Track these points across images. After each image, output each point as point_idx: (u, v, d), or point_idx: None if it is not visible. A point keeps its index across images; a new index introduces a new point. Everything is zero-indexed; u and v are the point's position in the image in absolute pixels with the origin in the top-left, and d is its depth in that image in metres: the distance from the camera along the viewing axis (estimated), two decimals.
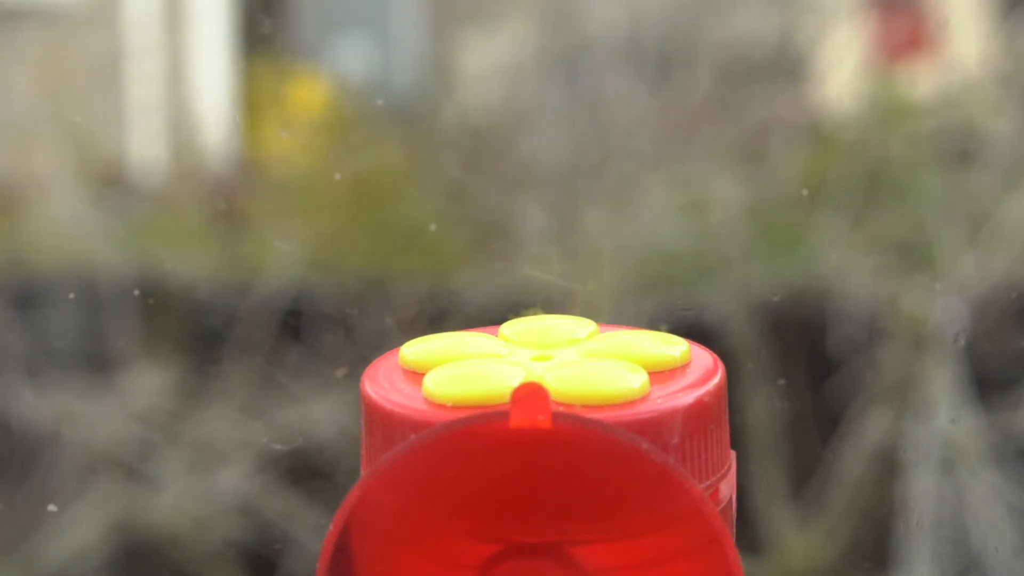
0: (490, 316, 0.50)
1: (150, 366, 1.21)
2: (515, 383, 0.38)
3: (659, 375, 0.42)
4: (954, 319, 1.13)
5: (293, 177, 1.31)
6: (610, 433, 0.38)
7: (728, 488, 0.42)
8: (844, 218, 1.17)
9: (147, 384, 1.21)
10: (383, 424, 0.41)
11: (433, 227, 1.10)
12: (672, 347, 0.44)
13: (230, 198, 1.42)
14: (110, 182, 1.52)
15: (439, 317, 1.10)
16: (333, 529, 0.38)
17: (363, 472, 0.41)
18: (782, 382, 1.10)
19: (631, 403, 0.40)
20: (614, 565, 0.39)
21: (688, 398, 0.41)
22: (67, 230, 1.39)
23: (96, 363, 1.23)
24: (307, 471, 1.12)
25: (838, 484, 1.15)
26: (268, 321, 1.18)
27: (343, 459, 1.08)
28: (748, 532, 1.06)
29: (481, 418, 0.38)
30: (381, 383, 0.42)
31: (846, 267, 1.20)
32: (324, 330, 1.12)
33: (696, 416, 0.40)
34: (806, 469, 1.16)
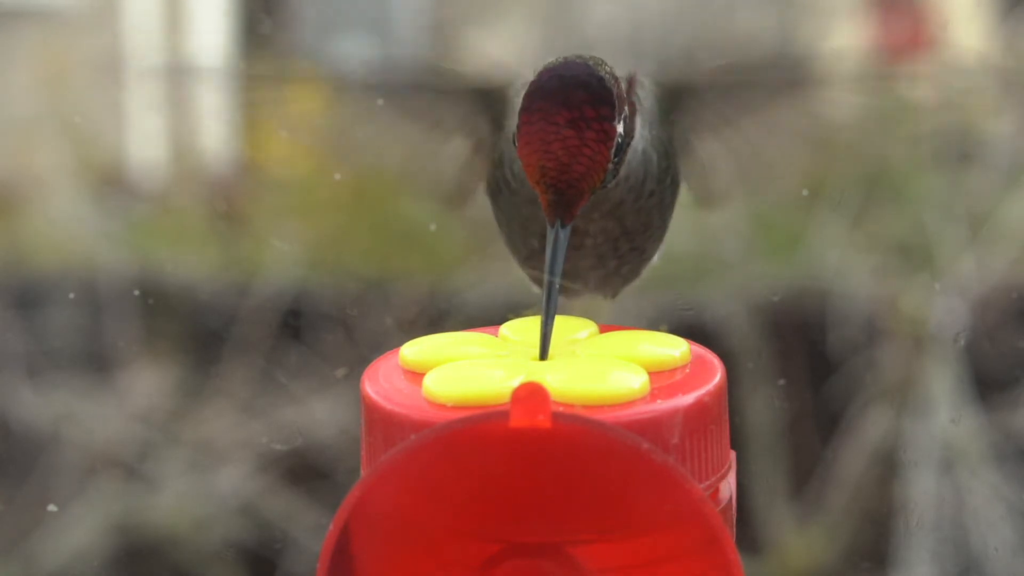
0: (490, 316, 0.50)
1: (150, 366, 1.21)
2: (515, 383, 0.38)
3: (659, 375, 0.42)
4: (954, 319, 1.13)
5: (293, 177, 1.31)
6: (610, 433, 0.38)
7: (728, 488, 0.42)
8: (844, 218, 1.17)
9: (147, 384, 1.21)
10: (383, 424, 0.41)
11: (433, 227, 1.09)
12: (672, 347, 0.44)
13: (230, 198, 1.42)
14: (110, 182, 1.52)
15: (439, 317, 1.10)
16: (333, 529, 0.38)
17: (363, 472, 0.41)
18: (782, 382, 1.10)
19: (631, 403, 0.40)
20: (614, 565, 0.39)
21: (688, 398, 0.41)
22: (67, 230, 1.39)
23: (96, 363, 1.23)
24: (307, 471, 1.12)
25: (838, 484, 1.15)
26: (268, 321, 1.18)
27: (343, 459, 1.08)
28: (748, 532, 1.06)
29: (481, 418, 0.38)
30: (381, 383, 0.42)
31: (846, 267, 1.19)
32: (324, 330, 1.12)
33: (696, 416, 0.40)
34: (806, 469, 1.16)
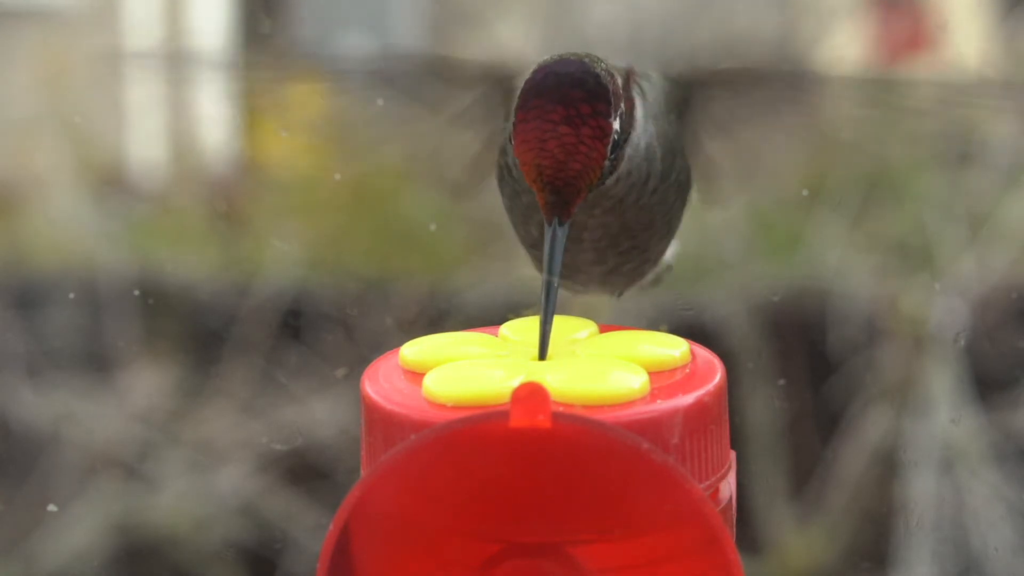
0: (490, 316, 0.50)
1: (150, 366, 1.21)
2: (515, 383, 0.38)
3: (659, 375, 0.42)
4: (954, 319, 1.13)
5: (293, 177, 1.31)
6: (610, 433, 0.37)
7: (728, 488, 0.42)
8: (844, 218, 1.17)
9: (147, 384, 1.21)
10: (383, 424, 0.41)
11: (433, 227, 1.09)
12: (672, 347, 0.44)
13: (230, 198, 1.42)
14: (110, 182, 1.52)
15: (439, 317, 1.10)
16: (333, 529, 0.38)
17: (363, 472, 0.41)
18: (782, 382, 1.10)
19: (631, 403, 0.40)
20: (614, 565, 0.39)
21: (688, 398, 0.41)
22: (67, 230, 1.39)
23: (96, 363, 1.23)
24: (307, 471, 1.12)
25: (838, 484, 1.15)
26: (268, 321, 1.18)
27: (343, 459, 1.08)
28: (748, 532, 1.06)
29: (481, 418, 0.38)
30: (381, 383, 0.42)
31: (846, 267, 1.19)
32: (324, 330, 1.12)
33: (696, 416, 0.40)
34: (806, 469, 1.16)
